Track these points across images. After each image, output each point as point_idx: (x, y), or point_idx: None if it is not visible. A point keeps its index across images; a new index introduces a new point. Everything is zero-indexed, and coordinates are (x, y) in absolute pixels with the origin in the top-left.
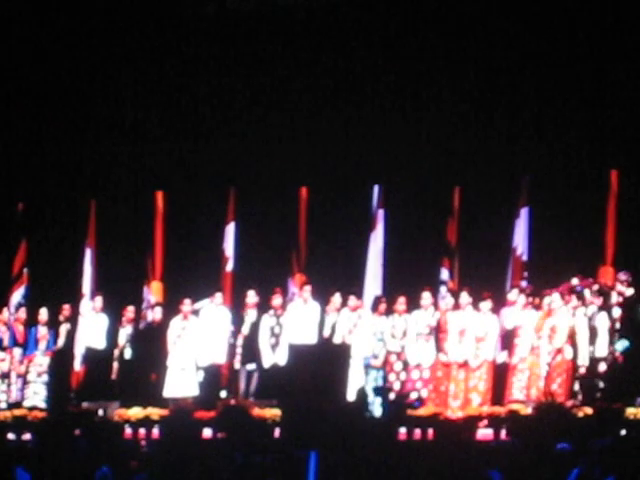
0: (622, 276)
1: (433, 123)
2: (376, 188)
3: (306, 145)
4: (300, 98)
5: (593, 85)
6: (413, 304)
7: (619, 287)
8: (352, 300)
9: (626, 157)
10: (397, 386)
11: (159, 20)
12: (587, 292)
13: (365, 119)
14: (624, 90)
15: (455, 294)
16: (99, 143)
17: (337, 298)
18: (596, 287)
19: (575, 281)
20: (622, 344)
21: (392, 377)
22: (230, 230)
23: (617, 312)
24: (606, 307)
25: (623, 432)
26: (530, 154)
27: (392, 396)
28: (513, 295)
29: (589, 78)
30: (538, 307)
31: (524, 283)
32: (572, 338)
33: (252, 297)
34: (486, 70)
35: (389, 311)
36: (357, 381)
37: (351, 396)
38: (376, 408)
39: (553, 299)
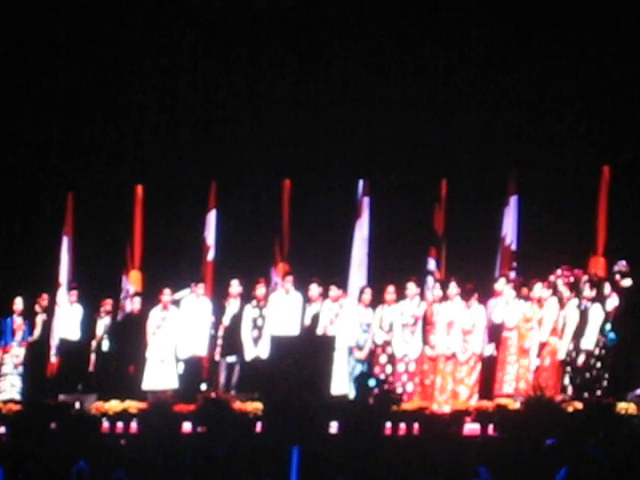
0: (619, 266)
1: (421, 112)
2: (361, 182)
3: (290, 137)
4: (284, 91)
5: (580, 75)
6: (399, 295)
7: (617, 277)
8: (333, 290)
9: (618, 149)
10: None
11: (135, 12)
12: (560, 283)
13: (350, 111)
14: (610, 79)
15: (442, 284)
16: (79, 133)
17: (315, 288)
18: (585, 278)
19: (559, 272)
20: (611, 336)
21: (377, 370)
22: (211, 218)
23: (612, 303)
24: (599, 299)
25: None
26: (520, 144)
27: (374, 386)
28: (500, 285)
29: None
30: (527, 298)
31: (513, 273)
32: (561, 330)
33: (236, 287)
34: (477, 62)
35: (377, 301)
36: (341, 373)
37: (337, 389)
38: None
39: (537, 290)
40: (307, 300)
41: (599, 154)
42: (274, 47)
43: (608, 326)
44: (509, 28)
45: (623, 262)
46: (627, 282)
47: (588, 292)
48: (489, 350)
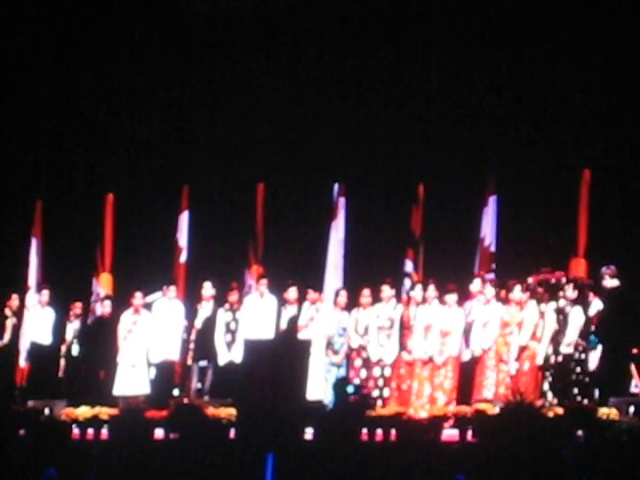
0: (606, 269)
1: (399, 112)
2: (336, 185)
3: (265, 140)
4: (259, 94)
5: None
6: (375, 297)
7: (605, 279)
8: (311, 293)
9: (599, 151)
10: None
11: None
12: (538, 286)
13: (327, 113)
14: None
15: (420, 286)
16: (49, 140)
17: (293, 292)
18: (564, 280)
19: (537, 275)
20: (591, 338)
21: (352, 374)
22: (184, 219)
23: (595, 307)
24: (582, 302)
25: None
26: (499, 144)
27: (352, 392)
28: (476, 286)
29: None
30: (505, 300)
31: (492, 275)
32: (540, 334)
33: (209, 289)
34: (456, 61)
35: (352, 304)
36: (316, 378)
37: (313, 394)
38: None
39: (517, 292)
40: (283, 303)
41: (580, 155)
42: (248, 51)
43: (592, 328)
44: (489, 29)
45: (612, 267)
46: (614, 282)
47: (570, 293)
48: (468, 354)
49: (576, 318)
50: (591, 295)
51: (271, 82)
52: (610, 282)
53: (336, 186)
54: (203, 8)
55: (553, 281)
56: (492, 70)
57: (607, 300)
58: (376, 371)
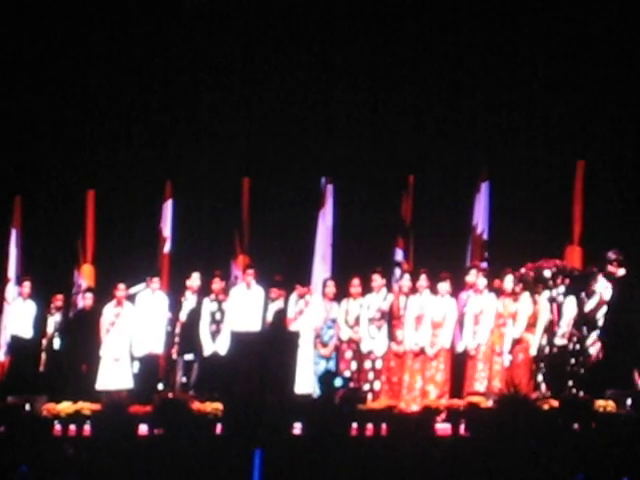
0: (612, 255)
1: (391, 98)
2: (323, 179)
3: (252, 132)
4: (242, 90)
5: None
6: (365, 287)
7: (609, 267)
8: (299, 288)
9: (593, 139)
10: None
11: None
12: (532, 275)
13: (315, 104)
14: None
15: (411, 276)
16: (30, 133)
17: (275, 291)
18: (552, 270)
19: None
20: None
21: (342, 366)
22: (167, 208)
23: (604, 293)
24: (573, 291)
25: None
26: (492, 129)
27: (340, 385)
28: (471, 277)
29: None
30: (499, 290)
31: (484, 264)
32: (535, 325)
33: (196, 280)
34: (450, 50)
35: (341, 295)
36: (305, 371)
37: (301, 387)
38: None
39: (509, 282)
40: (269, 295)
41: (575, 140)
42: (233, 44)
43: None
44: (482, 18)
45: (617, 251)
46: (621, 271)
47: (564, 284)
48: (461, 346)
49: (570, 308)
50: (598, 283)
51: (255, 76)
52: (617, 270)
53: (323, 180)
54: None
55: (546, 271)
56: (486, 59)
57: (615, 289)
58: (367, 364)
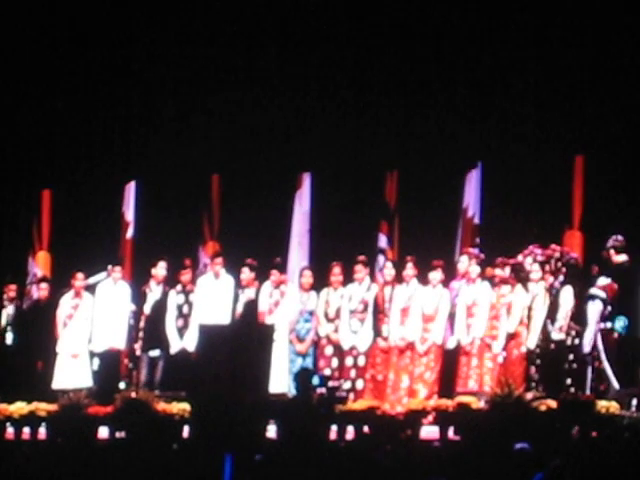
0: (611, 242)
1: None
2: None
3: (225, 128)
4: (213, 86)
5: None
6: (346, 277)
7: (611, 253)
8: (273, 275)
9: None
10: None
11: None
12: (529, 262)
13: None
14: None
15: (396, 264)
16: None
17: (247, 273)
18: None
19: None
20: (620, 322)
21: (322, 364)
22: (130, 189)
23: (603, 282)
24: (570, 280)
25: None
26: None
27: (317, 384)
28: (463, 264)
29: None
30: (492, 280)
31: (476, 250)
32: (528, 317)
33: (162, 269)
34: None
35: (320, 285)
36: (280, 368)
37: (276, 386)
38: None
39: (500, 272)
40: (239, 284)
41: (574, 122)
42: (201, 38)
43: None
44: (476, 10)
45: (620, 237)
46: (621, 257)
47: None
48: (453, 341)
49: (567, 299)
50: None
51: (227, 69)
52: (617, 257)
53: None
54: None
55: (541, 257)
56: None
57: (614, 278)
58: (349, 360)
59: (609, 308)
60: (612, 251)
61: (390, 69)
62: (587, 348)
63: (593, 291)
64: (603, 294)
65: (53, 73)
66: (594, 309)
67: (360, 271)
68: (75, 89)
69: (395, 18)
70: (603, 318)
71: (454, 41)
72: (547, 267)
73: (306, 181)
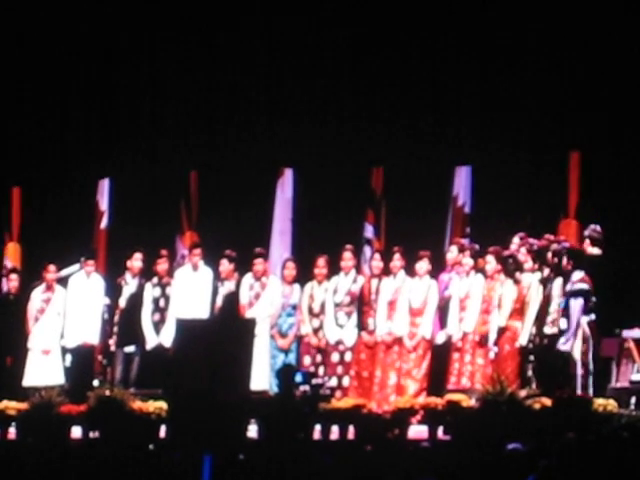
0: (589, 231)
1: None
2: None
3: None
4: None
5: None
6: (332, 269)
7: (586, 243)
8: (258, 264)
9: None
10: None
11: None
12: (523, 252)
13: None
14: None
15: (382, 255)
16: None
17: (225, 264)
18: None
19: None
20: None
21: (307, 360)
22: (105, 181)
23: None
24: (562, 272)
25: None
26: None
27: (300, 382)
28: (452, 255)
29: None
30: (484, 271)
31: (466, 241)
32: (522, 311)
33: (137, 261)
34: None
35: (304, 277)
36: (261, 364)
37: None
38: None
39: (491, 261)
40: (218, 277)
41: (571, 105)
42: (178, 31)
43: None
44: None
45: (597, 227)
46: (595, 250)
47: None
48: (442, 336)
49: (559, 292)
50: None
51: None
52: (591, 249)
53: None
54: None
55: (536, 247)
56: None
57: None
58: (334, 356)
59: (593, 299)
60: (587, 241)
61: (381, 65)
62: (567, 346)
63: (577, 286)
64: (587, 286)
65: (26, 69)
66: (576, 306)
67: (348, 259)
68: (50, 85)
69: (381, 12)
70: (588, 311)
71: (442, 34)
72: (546, 257)
73: (288, 169)
